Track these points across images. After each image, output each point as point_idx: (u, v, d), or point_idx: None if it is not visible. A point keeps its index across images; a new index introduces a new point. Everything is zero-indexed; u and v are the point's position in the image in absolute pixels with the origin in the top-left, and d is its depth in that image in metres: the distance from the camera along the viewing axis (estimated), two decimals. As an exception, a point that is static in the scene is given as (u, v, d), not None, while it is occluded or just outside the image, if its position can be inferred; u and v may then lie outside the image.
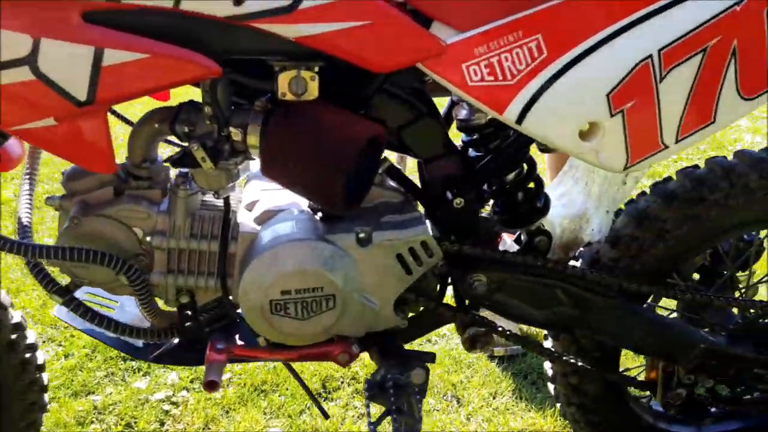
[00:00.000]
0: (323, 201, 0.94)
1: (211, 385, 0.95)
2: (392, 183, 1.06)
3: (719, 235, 1.18)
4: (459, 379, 1.73)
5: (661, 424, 1.33)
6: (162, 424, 1.59)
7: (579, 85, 0.88)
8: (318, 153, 0.88)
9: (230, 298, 1.03)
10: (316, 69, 0.89)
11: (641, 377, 1.33)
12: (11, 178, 2.68)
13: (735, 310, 1.28)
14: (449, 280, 1.11)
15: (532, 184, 1.14)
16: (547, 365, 1.35)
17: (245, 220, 1.02)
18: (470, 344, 1.13)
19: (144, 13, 0.77)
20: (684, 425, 1.34)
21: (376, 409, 1.03)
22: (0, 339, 1.15)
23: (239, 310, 1.02)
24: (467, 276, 1.08)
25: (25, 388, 1.22)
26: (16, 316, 1.19)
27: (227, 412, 1.63)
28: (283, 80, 0.88)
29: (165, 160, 0.97)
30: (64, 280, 1.04)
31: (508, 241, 1.26)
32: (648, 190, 1.17)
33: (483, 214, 1.18)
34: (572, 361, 1.22)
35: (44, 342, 1.82)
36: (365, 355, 1.71)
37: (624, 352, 1.34)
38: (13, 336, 1.18)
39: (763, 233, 1.31)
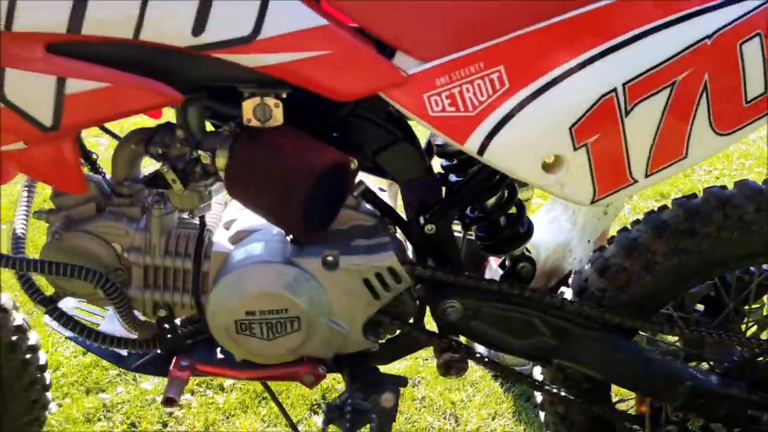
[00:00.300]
0: (283, 227, 0.95)
1: (168, 402, 0.98)
2: (368, 206, 1.07)
3: (713, 269, 1.13)
4: (460, 398, 1.72)
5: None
6: (165, 425, 1.64)
7: (541, 117, 0.86)
8: (275, 180, 0.90)
9: (205, 314, 1.05)
10: (284, 95, 0.91)
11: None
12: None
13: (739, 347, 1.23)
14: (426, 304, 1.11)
15: (513, 209, 1.13)
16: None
17: (220, 239, 1.05)
18: (445, 369, 1.13)
19: (106, 44, 0.81)
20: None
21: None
22: (1, 340, 1.22)
23: (212, 327, 1.04)
24: (440, 302, 1.07)
25: (26, 387, 1.29)
26: (18, 318, 1.26)
27: (228, 417, 1.67)
28: (248, 107, 0.90)
29: (138, 181, 1.00)
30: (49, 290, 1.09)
31: (494, 266, 1.24)
32: (642, 218, 1.14)
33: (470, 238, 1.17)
34: (554, 390, 1.19)
35: (65, 340, 1.91)
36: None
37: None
38: (14, 338, 1.24)
39: (768, 267, 1.26)
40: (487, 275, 1.27)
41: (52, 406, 1.67)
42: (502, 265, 1.20)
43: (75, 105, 0.81)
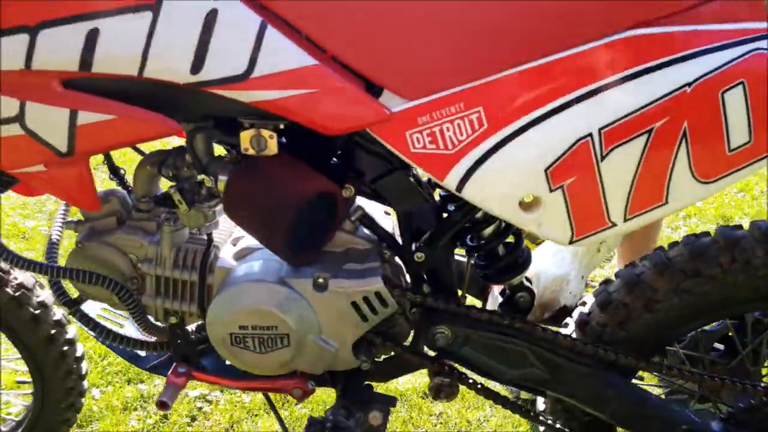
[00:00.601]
0: (271, 249, 1.01)
1: (161, 405, 1.06)
2: (366, 231, 1.12)
3: (717, 311, 1.11)
4: (476, 417, 1.73)
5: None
6: (193, 419, 1.75)
7: (517, 158, 0.88)
8: (264, 205, 0.96)
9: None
10: (282, 126, 0.97)
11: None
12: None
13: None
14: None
15: (512, 238, 1.14)
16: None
17: (226, 255, 1.12)
18: (435, 393, 1.16)
19: (114, 80, 0.89)
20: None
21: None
22: (41, 333, 1.35)
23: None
24: (431, 327, 1.10)
25: (63, 376, 1.42)
26: (57, 314, 1.39)
27: (252, 416, 1.76)
28: (245, 138, 0.97)
29: (150, 199, 1.09)
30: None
31: (496, 293, 1.26)
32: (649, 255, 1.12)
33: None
34: (549, 422, 1.20)
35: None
36: (395, 382, 1.76)
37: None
38: (53, 331, 1.37)
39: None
40: (490, 302, 1.29)
41: (96, 393, 1.82)
42: (502, 293, 1.22)
43: (86, 134, 0.90)
